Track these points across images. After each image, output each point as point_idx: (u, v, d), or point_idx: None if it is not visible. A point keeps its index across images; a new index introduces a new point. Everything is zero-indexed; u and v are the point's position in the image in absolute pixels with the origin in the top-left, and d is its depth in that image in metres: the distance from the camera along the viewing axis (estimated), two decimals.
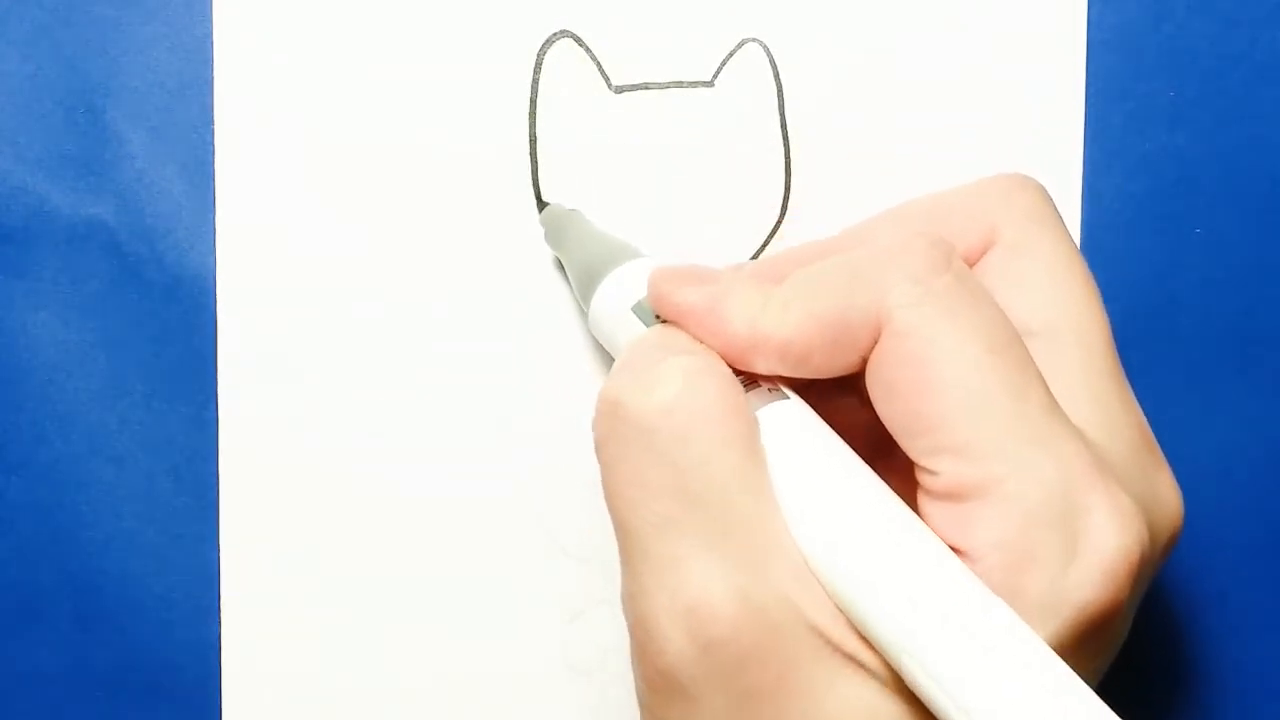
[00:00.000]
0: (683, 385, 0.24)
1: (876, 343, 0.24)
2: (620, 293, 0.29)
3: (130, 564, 0.33)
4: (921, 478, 0.23)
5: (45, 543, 0.33)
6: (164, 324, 0.33)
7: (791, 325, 0.24)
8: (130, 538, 0.33)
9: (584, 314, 0.31)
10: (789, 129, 0.34)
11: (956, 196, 0.28)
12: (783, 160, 0.34)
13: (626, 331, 0.28)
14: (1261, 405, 0.34)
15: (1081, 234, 0.34)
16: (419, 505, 0.33)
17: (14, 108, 0.33)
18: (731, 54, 0.34)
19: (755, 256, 0.34)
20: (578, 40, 0.33)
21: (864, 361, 0.24)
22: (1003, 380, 0.23)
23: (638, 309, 0.28)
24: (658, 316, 0.27)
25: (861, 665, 0.23)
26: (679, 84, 0.34)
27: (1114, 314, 0.34)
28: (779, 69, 0.34)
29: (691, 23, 0.33)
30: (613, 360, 0.29)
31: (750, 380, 0.25)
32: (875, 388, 0.24)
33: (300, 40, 0.33)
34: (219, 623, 0.33)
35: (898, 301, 0.23)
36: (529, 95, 0.33)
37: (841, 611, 0.23)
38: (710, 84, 0.34)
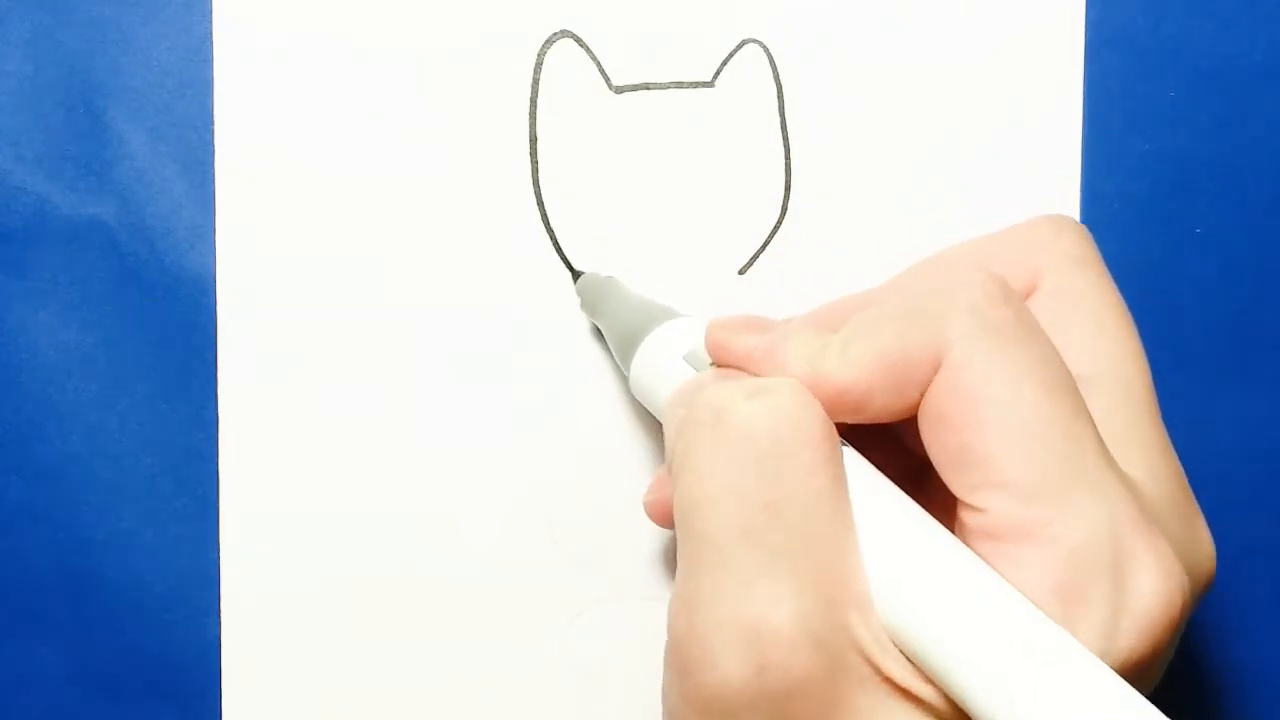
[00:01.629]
0: (793, 400, 0.24)
1: (926, 383, 0.23)
2: (667, 347, 0.29)
3: (130, 564, 0.33)
4: (965, 515, 0.23)
5: (45, 543, 0.33)
6: (164, 324, 0.33)
7: (852, 366, 0.24)
8: (130, 538, 0.33)
9: (623, 375, 0.31)
10: (789, 129, 0.34)
11: (998, 241, 0.28)
12: (783, 160, 0.34)
13: (678, 380, 0.28)
14: (1261, 405, 0.34)
15: None
16: (419, 505, 0.33)
17: (14, 108, 0.33)
18: (731, 54, 0.34)
19: (755, 256, 0.34)
20: (578, 40, 0.33)
21: (921, 399, 0.24)
22: (1057, 421, 0.22)
23: (690, 358, 0.28)
24: (713, 363, 0.27)
25: (919, 700, 0.22)
26: (679, 84, 0.34)
27: None
28: (779, 69, 0.34)
29: (691, 23, 0.33)
30: (652, 418, 0.28)
31: None
32: (927, 420, 0.24)
33: (300, 40, 0.33)
34: (219, 623, 0.33)
35: (957, 333, 0.23)
36: (529, 95, 0.33)
37: (902, 644, 0.23)
38: (710, 84, 0.34)
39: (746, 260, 0.34)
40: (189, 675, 0.33)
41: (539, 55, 0.33)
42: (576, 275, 0.33)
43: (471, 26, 0.33)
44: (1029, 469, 0.22)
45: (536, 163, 0.33)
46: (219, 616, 0.33)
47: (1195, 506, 0.26)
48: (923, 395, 0.24)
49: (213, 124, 0.33)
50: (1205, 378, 0.34)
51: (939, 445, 0.23)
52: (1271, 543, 0.35)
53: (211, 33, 0.33)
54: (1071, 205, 0.34)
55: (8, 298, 0.33)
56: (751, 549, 0.23)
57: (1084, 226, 0.28)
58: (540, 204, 0.33)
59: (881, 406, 0.24)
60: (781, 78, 0.34)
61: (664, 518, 0.30)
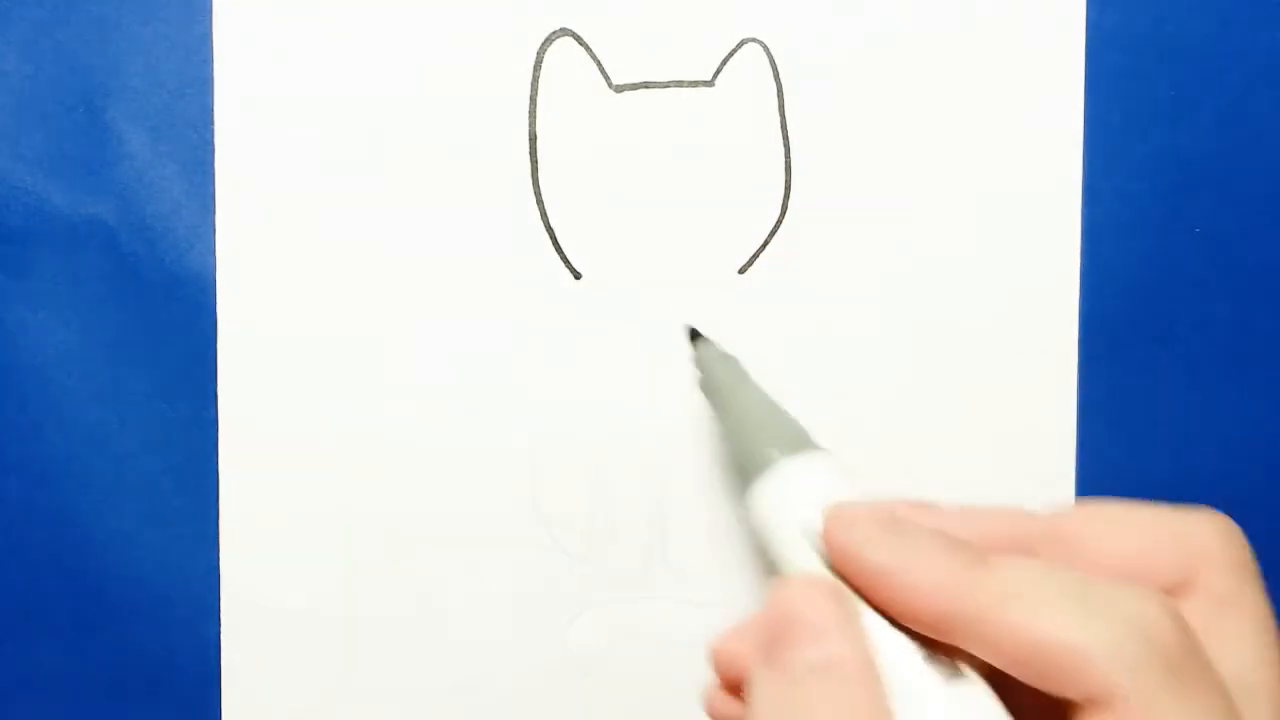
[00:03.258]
0: (818, 699, 0.23)
1: (1096, 701, 0.23)
2: (787, 500, 0.27)
3: (130, 564, 0.33)
4: None
5: (45, 543, 0.33)
6: (164, 324, 0.33)
7: (1008, 625, 0.23)
8: (130, 538, 0.33)
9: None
10: (789, 129, 0.34)
11: (1169, 522, 0.27)
12: (783, 160, 0.34)
13: (793, 556, 0.26)
14: (1261, 405, 0.34)
15: (1081, 234, 0.34)
16: (419, 506, 0.33)
17: (14, 108, 0.33)
18: (731, 54, 0.34)
19: (755, 256, 0.34)
20: (578, 39, 0.33)
21: (1068, 702, 0.23)
22: None
23: (809, 535, 0.26)
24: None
25: None
26: (679, 84, 0.34)
27: (1114, 314, 0.34)
28: (779, 69, 0.34)
29: (691, 23, 0.33)
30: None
31: (925, 644, 0.24)
32: None
33: (300, 40, 0.33)
34: (219, 623, 0.33)
35: (1144, 684, 0.22)
36: (529, 95, 0.33)
37: None
38: (710, 84, 0.34)
39: (746, 260, 0.34)
40: (189, 675, 0.33)
41: (539, 54, 0.33)
42: (577, 276, 0.33)
43: (471, 26, 0.33)
44: None
45: (536, 162, 0.33)
46: (219, 616, 0.33)
47: None
48: (1064, 702, 0.23)
49: (213, 124, 0.33)
50: (1205, 378, 0.34)
51: None
52: (1272, 543, 0.35)
53: (211, 33, 0.33)
54: (1072, 205, 0.34)
55: (8, 298, 0.33)
56: None
57: (1243, 533, 0.27)
58: (540, 203, 0.33)
59: (1017, 674, 0.23)
60: (781, 78, 0.34)
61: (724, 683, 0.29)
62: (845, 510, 0.25)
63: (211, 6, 0.33)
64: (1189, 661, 0.23)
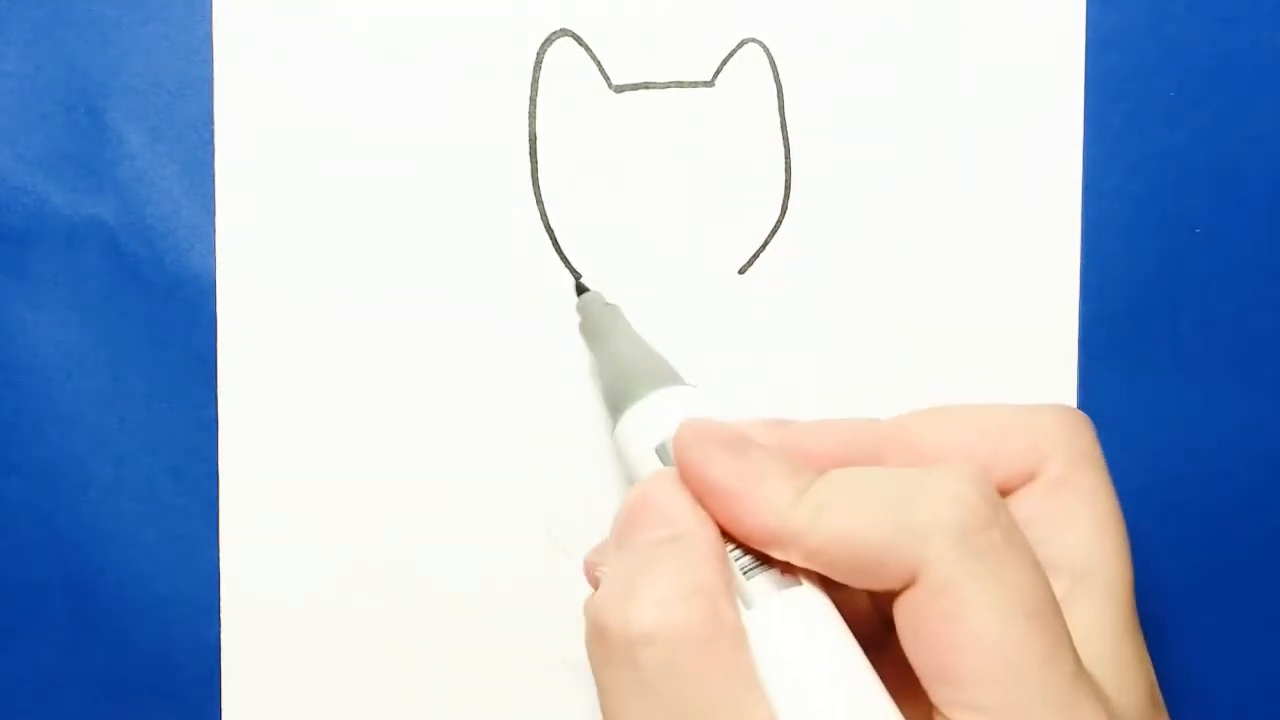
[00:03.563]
0: (657, 616, 0.23)
1: (908, 585, 0.23)
2: (647, 426, 0.28)
3: (130, 564, 0.33)
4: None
5: (45, 543, 0.33)
6: (164, 324, 0.33)
7: (821, 536, 0.24)
8: (130, 538, 0.33)
9: (610, 416, 0.30)
10: (789, 129, 0.34)
11: (1011, 417, 0.27)
12: (783, 160, 0.34)
13: (646, 471, 0.27)
14: (1261, 405, 0.34)
15: (1082, 234, 0.34)
16: (419, 506, 0.33)
17: (14, 108, 0.33)
18: (731, 54, 0.34)
19: (755, 256, 0.34)
20: (578, 40, 0.33)
21: (891, 594, 0.24)
22: (1035, 647, 0.23)
23: (662, 451, 0.27)
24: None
25: None
26: (679, 84, 0.34)
27: (1114, 314, 0.34)
28: (779, 69, 0.34)
29: (691, 23, 0.33)
30: (631, 480, 0.28)
31: (762, 559, 0.25)
32: (904, 629, 0.24)
33: (300, 40, 0.33)
34: (219, 623, 0.33)
35: (938, 556, 0.23)
36: (529, 95, 0.33)
37: None
38: (710, 84, 0.34)
39: (746, 260, 0.34)
40: (189, 675, 0.33)
41: (539, 55, 0.33)
42: (577, 279, 0.33)
43: (471, 26, 0.33)
44: (1003, 694, 0.23)
45: (536, 162, 0.33)
46: (219, 616, 0.33)
47: (1164, 713, 0.26)
48: (893, 595, 0.24)
49: (213, 124, 0.33)
50: (1205, 378, 0.34)
51: (916, 655, 0.24)
52: (1272, 543, 0.35)
53: (211, 33, 0.33)
54: (1072, 205, 0.34)
55: (8, 298, 0.33)
56: None
57: (1092, 423, 0.28)
58: (540, 204, 0.33)
59: (842, 578, 0.24)
60: (781, 78, 0.34)
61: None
62: (693, 427, 0.26)
63: (211, 6, 0.33)
64: (990, 530, 0.23)
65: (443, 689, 0.34)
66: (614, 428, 0.29)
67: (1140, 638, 0.26)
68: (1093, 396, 0.34)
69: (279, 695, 0.33)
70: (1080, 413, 0.28)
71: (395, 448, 0.33)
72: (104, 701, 0.33)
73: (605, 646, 0.24)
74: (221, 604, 0.33)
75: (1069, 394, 0.34)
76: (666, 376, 0.29)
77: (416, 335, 0.33)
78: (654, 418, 0.28)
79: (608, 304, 0.32)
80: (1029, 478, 0.27)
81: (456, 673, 0.34)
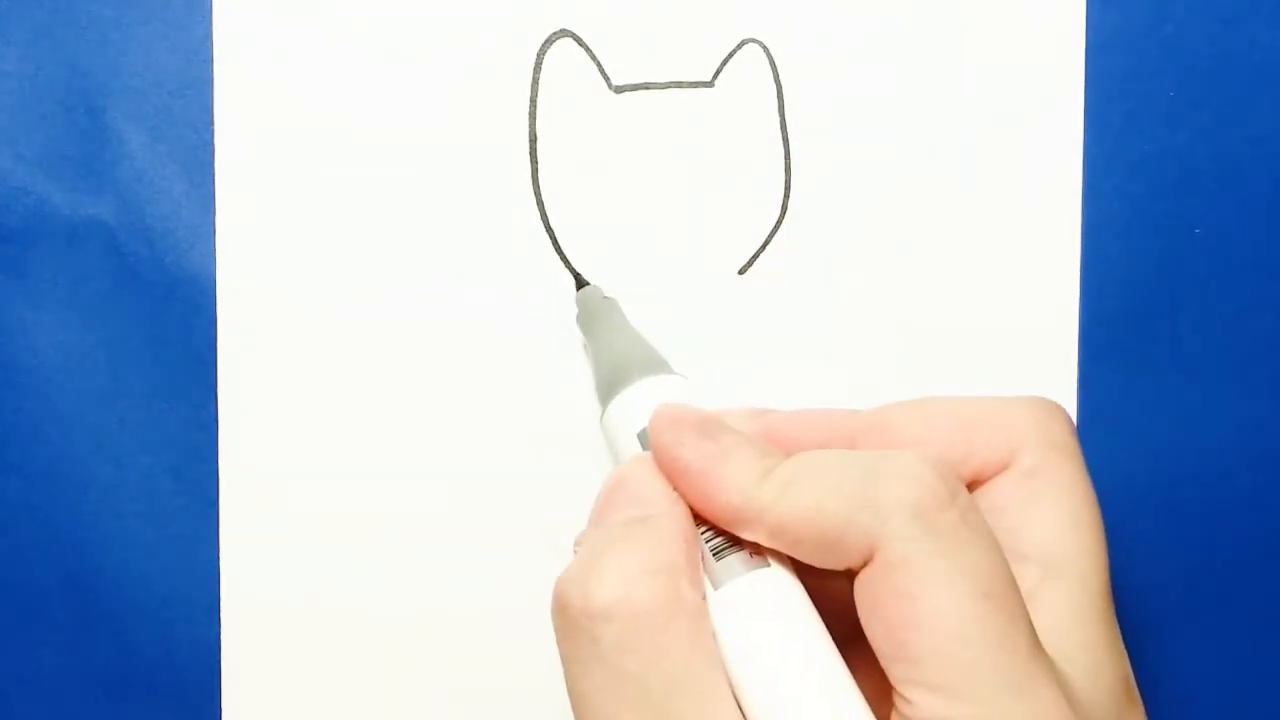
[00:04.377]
0: (617, 592, 0.24)
1: (868, 562, 0.24)
2: (633, 413, 0.28)
3: (130, 564, 0.33)
4: (896, 700, 0.24)
5: (45, 543, 0.33)
6: (164, 324, 0.33)
7: (785, 512, 0.24)
8: (130, 538, 0.33)
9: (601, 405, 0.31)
10: (789, 129, 0.34)
11: (987, 407, 0.28)
12: (783, 160, 0.34)
13: (628, 456, 0.28)
14: (1261, 405, 0.34)
15: (1082, 234, 0.34)
16: (419, 506, 0.33)
17: (14, 108, 0.33)
18: (731, 54, 0.34)
19: (755, 256, 0.34)
20: (578, 40, 0.33)
21: (851, 571, 0.24)
22: (990, 626, 0.23)
23: (643, 437, 0.28)
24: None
25: None
26: (679, 84, 0.34)
27: (1114, 314, 0.34)
28: (779, 69, 0.34)
29: (691, 23, 0.33)
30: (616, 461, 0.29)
31: (733, 541, 0.25)
32: (862, 605, 0.24)
33: (300, 40, 0.33)
34: (219, 623, 0.33)
35: (896, 533, 0.23)
36: (529, 95, 0.33)
37: None
38: (710, 84, 0.34)
39: (746, 260, 0.34)
40: (189, 675, 0.33)
41: (539, 55, 0.33)
42: (577, 276, 0.33)
43: (471, 26, 0.33)
44: (957, 672, 0.23)
45: (536, 163, 0.33)
46: (219, 616, 0.33)
47: (1137, 703, 0.26)
48: (852, 570, 0.24)
49: (213, 124, 0.33)
50: (1205, 378, 0.34)
51: (871, 630, 0.24)
52: (1271, 543, 0.35)
53: (211, 33, 0.33)
54: (1072, 205, 0.34)
55: (8, 298, 0.33)
56: None
57: (1068, 415, 0.28)
58: (540, 204, 0.33)
59: (806, 557, 0.24)
60: (781, 78, 0.34)
61: None
62: (668, 411, 0.26)
63: (211, 6, 0.33)
64: (948, 510, 0.24)
65: (443, 689, 0.34)
66: (602, 415, 0.29)
67: (1115, 628, 0.26)
68: (1093, 396, 0.34)
69: (279, 695, 0.33)
70: (1056, 403, 0.28)
71: (395, 447, 0.33)
72: (104, 701, 0.33)
73: (566, 620, 0.24)
74: (221, 604, 0.33)
75: (1069, 394, 0.34)
76: (654, 366, 0.29)
77: (416, 335, 0.33)
78: (638, 405, 0.28)
79: (606, 297, 0.32)
80: (1003, 467, 0.27)
81: (456, 673, 0.34)
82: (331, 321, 0.33)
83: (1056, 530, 0.26)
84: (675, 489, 0.26)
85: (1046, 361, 0.34)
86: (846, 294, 0.34)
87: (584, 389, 0.33)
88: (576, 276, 0.33)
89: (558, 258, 0.33)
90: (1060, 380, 0.34)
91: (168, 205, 0.33)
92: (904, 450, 0.24)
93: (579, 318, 0.33)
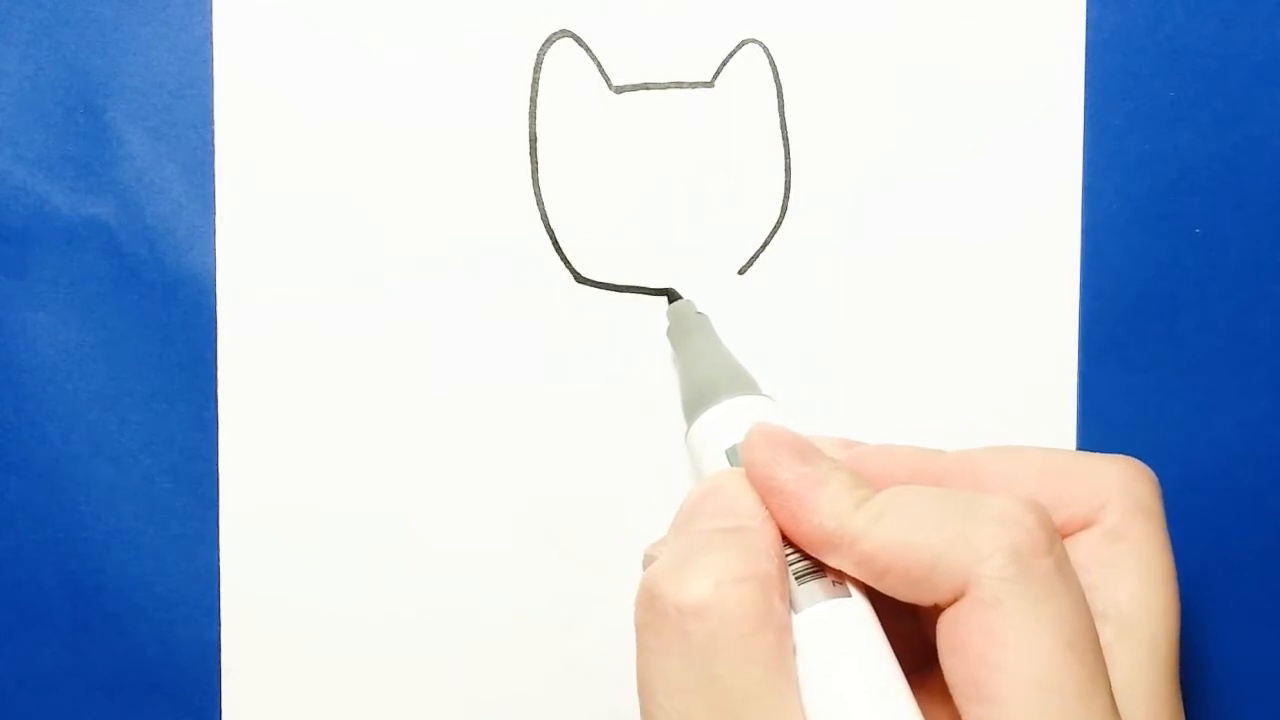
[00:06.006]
0: (712, 591, 0.24)
1: (956, 598, 0.24)
2: (721, 430, 0.29)
3: (130, 564, 0.33)
4: None
5: (45, 543, 0.33)
6: (164, 324, 0.33)
7: (876, 542, 0.24)
8: (130, 538, 0.33)
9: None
10: (789, 129, 0.34)
11: (1075, 461, 0.28)
12: (783, 160, 0.34)
13: (714, 471, 0.28)
14: (1261, 405, 0.34)
15: (1082, 234, 0.34)
16: (419, 506, 0.33)
17: (14, 108, 0.33)
18: (731, 54, 0.34)
19: (755, 256, 0.34)
20: (578, 40, 0.33)
21: (937, 607, 0.24)
22: (1071, 678, 0.23)
23: (732, 454, 0.28)
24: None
25: None
26: (679, 84, 0.34)
27: (1114, 314, 0.34)
28: (779, 69, 0.34)
29: (691, 23, 0.33)
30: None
31: (816, 567, 0.25)
32: (944, 640, 0.24)
33: (300, 40, 0.33)
34: (219, 623, 0.33)
35: (992, 572, 0.23)
36: (529, 95, 0.33)
37: None
38: (710, 84, 0.34)
39: (746, 260, 0.34)
40: (189, 675, 0.33)
41: (539, 55, 0.33)
42: (577, 276, 0.33)
43: (471, 26, 0.33)
44: (1035, 719, 0.23)
45: (536, 163, 0.33)
46: (219, 616, 0.33)
47: None
48: (939, 608, 0.24)
49: (213, 124, 0.33)
50: (1205, 378, 0.34)
51: (952, 668, 0.24)
52: (1272, 543, 0.35)
53: (211, 33, 0.33)
54: (1072, 205, 0.34)
55: (8, 298, 0.33)
56: None
57: (1156, 478, 0.28)
58: (540, 204, 0.33)
59: (890, 588, 0.24)
60: (781, 78, 0.34)
61: None
62: (765, 430, 0.27)
63: (211, 6, 0.33)
64: (1045, 557, 0.24)
65: (443, 689, 0.34)
66: (688, 430, 0.30)
67: (1178, 695, 0.27)
68: (1093, 396, 0.34)
69: (279, 695, 0.33)
70: (1144, 466, 0.28)
71: (395, 447, 0.33)
72: (104, 701, 0.33)
73: (654, 612, 0.24)
74: (221, 604, 0.33)
75: (1069, 394, 0.34)
76: (745, 385, 0.30)
77: (416, 335, 0.33)
78: (728, 422, 0.28)
79: (699, 313, 0.33)
80: (1086, 524, 0.27)
81: (457, 673, 0.34)
82: (332, 321, 0.33)
83: (1135, 593, 0.26)
84: (766, 507, 0.26)
85: (1046, 361, 0.34)
86: (846, 294, 0.34)
87: (583, 388, 0.33)
88: (576, 277, 0.33)
89: (558, 257, 0.33)
90: (1060, 380, 0.34)
91: (168, 205, 0.33)
92: (1003, 494, 0.24)
93: (669, 330, 0.33)
